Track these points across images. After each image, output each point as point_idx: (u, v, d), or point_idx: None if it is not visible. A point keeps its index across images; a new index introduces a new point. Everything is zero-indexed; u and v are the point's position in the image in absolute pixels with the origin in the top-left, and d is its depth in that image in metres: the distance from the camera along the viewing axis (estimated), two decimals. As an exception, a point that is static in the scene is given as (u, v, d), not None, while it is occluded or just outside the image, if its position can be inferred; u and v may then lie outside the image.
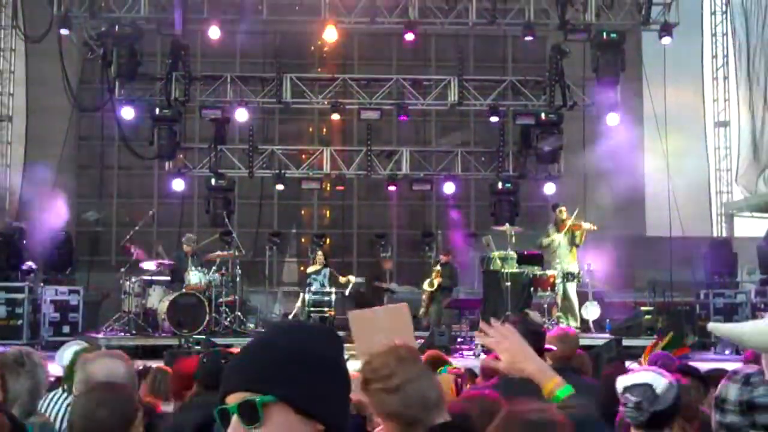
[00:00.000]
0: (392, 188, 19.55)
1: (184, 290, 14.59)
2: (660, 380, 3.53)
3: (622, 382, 3.56)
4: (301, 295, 16.37)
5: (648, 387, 3.49)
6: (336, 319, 16.05)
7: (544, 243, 15.57)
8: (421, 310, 16.05)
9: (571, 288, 15.19)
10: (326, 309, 15.46)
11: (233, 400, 1.67)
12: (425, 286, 16.13)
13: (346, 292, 16.38)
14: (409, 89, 19.00)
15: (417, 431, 2.68)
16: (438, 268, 16.16)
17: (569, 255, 15.14)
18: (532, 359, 2.96)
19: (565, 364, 5.21)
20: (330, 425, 1.71)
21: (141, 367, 6.56)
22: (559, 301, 15.20)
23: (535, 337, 4.47)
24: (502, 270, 15.03)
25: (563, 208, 15.45)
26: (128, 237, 16.09)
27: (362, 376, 2.78)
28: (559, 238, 15.24)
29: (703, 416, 4.10)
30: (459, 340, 15.10)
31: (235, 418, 1.66)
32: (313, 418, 1.69)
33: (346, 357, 1.86)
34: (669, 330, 16.21)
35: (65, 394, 5.10)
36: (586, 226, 15.03)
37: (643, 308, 16.63)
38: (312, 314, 15.36)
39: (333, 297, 15.51)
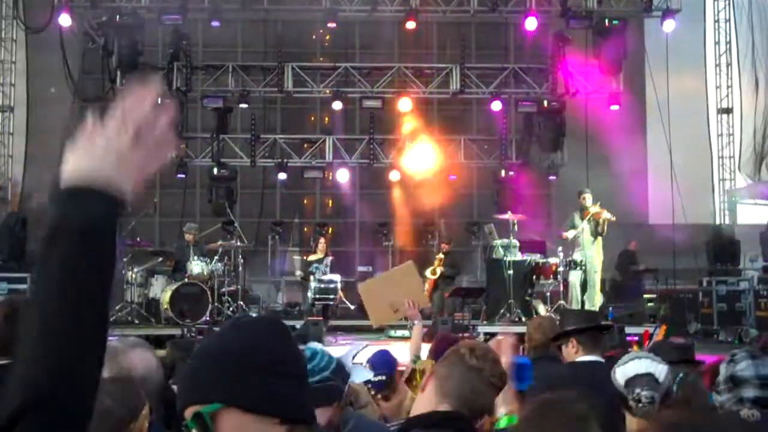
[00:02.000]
0: (395, 177, 19.54)
1: (186, 280, 14.59)
2: (658, 367, 3.51)
3: (622, 375, 3.53)
4: (299, 273, 16.37)
5: (650, 377, 3.47)
6: (339, 308, 16.09)
7: (569, 236, 15.02)
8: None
9: (574, 277, 14.95)
10: (331, 296, 15.45)
11: (188, 414, 1.65)
12: (427, 274, 16.12)
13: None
14: (411, 77, 18.97)
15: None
16: (440, 256, 16.15)
17: (592, 245, 14.84)
18: None
19: (542, 352, 5.23)
20: (287, 419, 1.66)
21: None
22: (575, 289, 14.82)
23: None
24: (505, 258, 15.00)
25: (587, 195, 15.02)
26: (130, 227, 16.08)
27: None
28: (582, 226, 14.84)
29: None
30: (461, 328, 15.09)
31: None
32: (265, 414, 1.64)
33: (297, 345, 1.80)
34: (672, 317, 16.26)
35: None
36: (606, 216, 14.68)
37: (645, 296, 16.63)
38: (317, 302, 15.36)
39: (338, 285, 15.50)
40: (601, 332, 5.01)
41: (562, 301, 14.68)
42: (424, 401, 2.84)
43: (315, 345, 3.88)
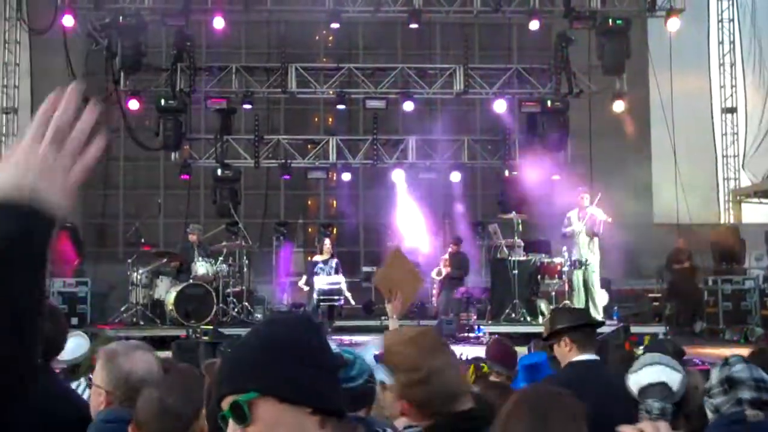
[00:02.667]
0: (399, 177, 19.53)
1: (191, 281, 14.60)
2: (673, 375, 3.48)
3: (635, 383, 3.50)
4: (304, 277, 16.36)
5: (665, 387, 3.44)
6: (344, 309, 16.09)
7: (567, 233, 15.05)
8: (433, 299, 16.06)
9: (577, 276, 14.95)
10: (336, 297, 15.44)
11: (225, 405, 1.72)
12: (434, 274, 16.11)
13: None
14: (415, 78, 18.97)
15: (442, 417, 2.68)
16: (446, 257, 16.14)
17: (588, 245, 14.86)
18: None
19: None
20: (318, 408, 1.73)
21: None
22: (578, 289, 14.83)
23: None
24: (510, 258, 14.99)
25: (585, 195, 15.05)
26: (134, 228, 16.10)
27: (387, 365, 2.80)
28: (579, 226, 14.89)
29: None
30: (466, 328, 15.10)
31: (230, 421, 1.71)
32: (300, 404, 1.71)
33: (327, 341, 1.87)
34: (677, 317, 16.26)
35: (85, 386, 5.09)
36: (601, 217, 14.71)
37: (650, 295, 16.60)
38: (322, 303, 15.36)
39: (343, 286, 15.50)
40: (593, 330, 4.99)
41: (567, 301, 14.67)
42: None
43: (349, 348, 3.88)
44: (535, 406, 2.36)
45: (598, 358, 4.83)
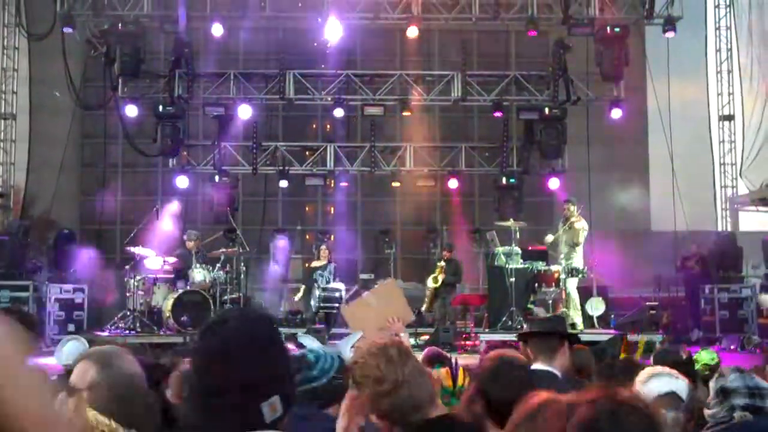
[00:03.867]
0: (396, 184, 19.56)
1: (188, 288, 14.58)
2: (678, 383, 3.49)
3: (646, 394, 3.50)
4: (302, 288, 16.35)
5: (675, 396, 3.45)
6: (341, 317, 16.07)
7: (546, 241, 15.34)
8: (424, 306, 16.03)
9: (571, 284, 15.03)
10: (335, 305, 15.44)
11: None
12: (429, 282, 16.11)
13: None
14: (413, 85, 18.99)
15: (411, 427, 2.68)
16: (442, 264, 16.14)
17: (571, 251, 14.97)
18: None
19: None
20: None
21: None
22: (564, 296, 15.01)
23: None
24: (507, 266, 14.99)
25: (571, 205, 15.19)
26: (132, 235, 16.07)
27: (352, 379, 2.79)
28: (560, 236, 15.04)
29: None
30: (463, 336, 15.10)
31: None
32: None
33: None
34: (674, 325, 16.25)
35: None
36: (578, 225, 14.82)
37: (648, 303, 16.60)
38: (321, 310, 15.35)
39: (342, 292, 15.49)
40: (560, 341, 4.66)
41: (564, 309, 14.69)
42: None
43: (313, 345, 3.89)
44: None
45: (554, 372, 4.53)
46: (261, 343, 2.00)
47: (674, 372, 3.63)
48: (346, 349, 3.64)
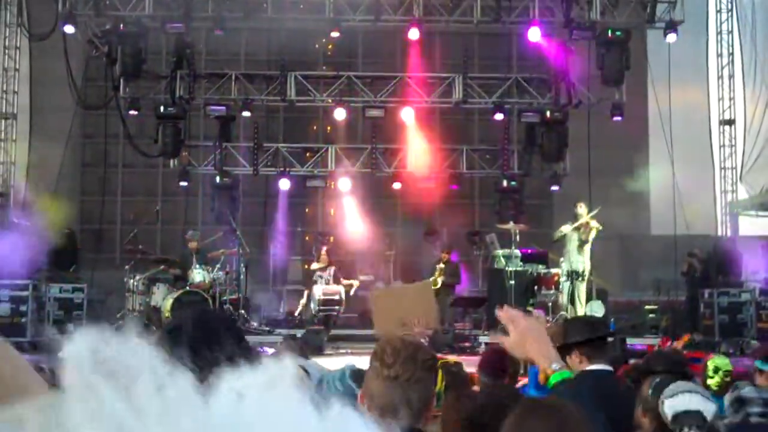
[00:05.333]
0: (397, 186, 19.58)
1: (188, 288, 14.58)
2: (707, 405, 3.48)
3: (670, 408, 3.50)
4: (306, 292, 16.36)
5: (699, 416, 3.43)
6: (341, 318, 16.07)
7: (555, 236, 15.28)
8: None
9: (581, 287, 14.99)
10: (335, 307, 15.44)
11: None
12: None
13: (351, 293, 16.38)
14: (414, 87, 19.00)
15: (385, 423, 2.64)
16: (441, 266, 16.14)
17: (578, 253, 14.93)
18: (539, 342, 2.86)
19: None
20: None
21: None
22: (564, 299, 14.96)
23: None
24: (507, 268, 14.99)
25: (582, 204, 15.16)
26: (132, 235, 16.11)
27: (374, 351, 2.77)
28: (570, 234, 14.97)
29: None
30: (462, 338, 15.09)
31: None
32: None
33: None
34: (673, 329, 16.24)
35: None
36: (593, 224, 14.82)
37: (647, 307, 16.58)
38: (320, 312, 15.35)
39: (342, 295, 15.49)
40: (605, 342, 4.94)
41: (564, 312, 14.69)
42: None
43: (315, 368, 3.84)
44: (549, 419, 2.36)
45: (610, 368, 4.78)
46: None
47: (707, 393, 3.62)
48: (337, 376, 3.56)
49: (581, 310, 14.70)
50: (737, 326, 16.06)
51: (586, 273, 14.78)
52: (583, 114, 18.56)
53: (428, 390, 2.76)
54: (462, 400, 3.64)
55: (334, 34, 18.13)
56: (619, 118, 18.04)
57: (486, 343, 13.34)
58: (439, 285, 15.95)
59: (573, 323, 5.39)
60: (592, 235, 14.78)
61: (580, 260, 14.84)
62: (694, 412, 3.44)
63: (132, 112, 18.06)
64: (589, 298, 15.38)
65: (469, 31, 19.87)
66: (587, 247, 14.90)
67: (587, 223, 14.74)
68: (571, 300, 14.63)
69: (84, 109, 19.21)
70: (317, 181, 19.40)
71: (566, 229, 14.93)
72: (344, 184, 19.55)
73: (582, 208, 14.88)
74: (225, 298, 15.12)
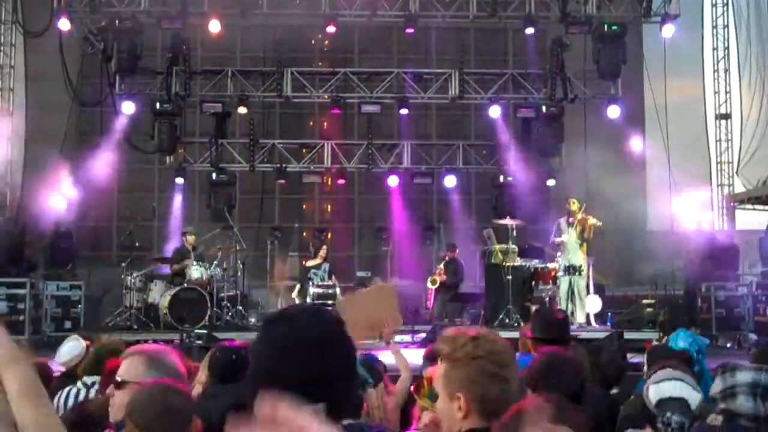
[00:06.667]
0: (393, 182, 19.58)
1: (185, 285, 14.57)
2: (693, 394, 3.47)
3: (656, 394, 3.49)
4: (297, 287, 16.34)
5: (684, 403, 3.43)
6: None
7: (557, 241, 15.16)
8: (429, 304, 16.06)
9: (581, 282, 14.95)
10: (330, 302, 15.43)
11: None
12: (429, 284, 16.11)
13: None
14: (410, 83, 18.99)
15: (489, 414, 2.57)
16: (441, 266, 16.14)
17: (578, 249, 14.91)
18: None
19: None
20: (328, 403, 1.78)
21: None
22: (563, 295, 14.90)
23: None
24: (504, 264, 14.99)
25: (574, 200, 15.14)
26: (128, 232, 16.07)
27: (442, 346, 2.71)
28: (567, 235, 14.95)
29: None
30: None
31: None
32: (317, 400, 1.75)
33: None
34: (670, 323, 16.25)
35: (86, 389, 5.08)
36: (592, 221, 14.79)
37: (644, 301, 16.61)
38: (316, 308, 15.33)
39: (337, 290, 15.49)
40: (558, 343, 4.91)
41: (560, 307, 14.67)
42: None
43: None
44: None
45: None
46: (325, 341, 1.91)
47: (693, 382, 3.60)
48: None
49: (580, 305, 14.68)
50: (734, 320, 16.12)
51: (584, 269, 14.75)
52: (579, 108, 18.59)
53: None
54: None
55: (330, 30, 18.06)
56: (615, 113, 18.04)
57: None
58: (437, 285, 15.98)
59: (536, 319, 5.50)
60: (591, 232, 14.76)
61: (580, 256, 14.83)
62: (677, 399, 3.43)
63: (128, 108, 18.00)
64: (586, 293, 15.36)
65: (465, 26, 19.85)
66: (585, 246, 14.87)
67: (585, 220, 14.72)
68: (570, 296, 14.59)
69: (80, 105, 19.18)
70: (314, 177, 19.39)
71: (567, 237, 14.86)
72: (340, 180, 19.56)
73: (574, 205, 14.87)
74: (223, 294, 15.11)
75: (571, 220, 14.80)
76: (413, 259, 19.26)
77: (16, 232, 16.35)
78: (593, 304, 15.17)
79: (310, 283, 15.56)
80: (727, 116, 21.81)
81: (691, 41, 21.22)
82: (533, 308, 14.84)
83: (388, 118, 19.96)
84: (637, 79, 19.22)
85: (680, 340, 5.76)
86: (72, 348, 6.09)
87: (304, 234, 21.29)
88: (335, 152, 19.38)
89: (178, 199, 19.39)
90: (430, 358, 6.23)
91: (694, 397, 3.46)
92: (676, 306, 16.96)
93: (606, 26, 17.34)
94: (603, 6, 17.84)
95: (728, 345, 15.46)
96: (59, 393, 5.10)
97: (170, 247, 16.55)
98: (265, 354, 1.86)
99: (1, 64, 20.25)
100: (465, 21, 18.85)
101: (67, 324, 15.49)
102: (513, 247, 15.36)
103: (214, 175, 18.70)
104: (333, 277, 15.83)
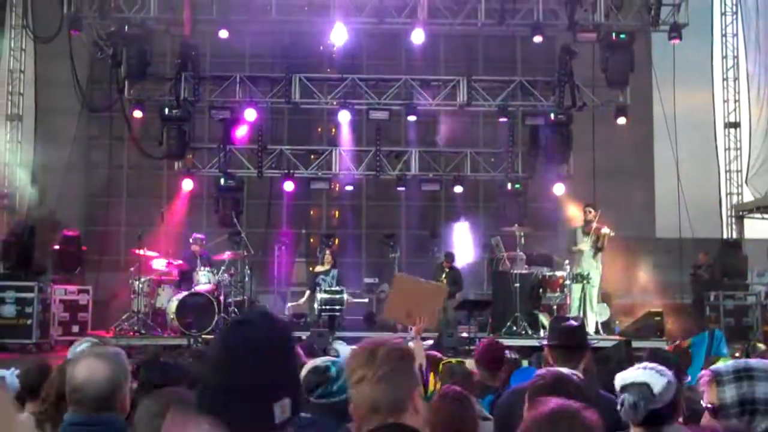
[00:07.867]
0: (401, 189, 19.58)
1: (193, 290, 14.59)
2: (658, 379, 3.49)
3: (620, 380, 3.54)
4: (307, 293, 16.35)
5: (646, 386, 3.46)
6: (345, 320, 16.06)
7: (573, 250, 15.17)
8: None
9: (593, 291, 14.93)
10: (338, 307, 15.43)
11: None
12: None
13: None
14: (418, 89, 19.00)
15: (370, 425, 2.66)
16: (443, 277, 16.14)
17: (591, 258, 14.90)
18: None
19: None
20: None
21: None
22: (575, 303, 14.85)
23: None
24: (511, 271, 14.97)
25: (591, 209, 15.15)
26: (138, 236, 16.10)
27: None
28: (586, 244, 14.95)
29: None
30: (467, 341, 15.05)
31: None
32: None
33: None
34: (679, 332, 16.20)
35: None
36: (605, 231, 14.79)
37: (652, 310, 16.56)
38: (323, 313, 15.35)
39: (344, 296, 15.50)
40: (576, 349, 4.97)
41: (568, 315, 14.65)
42: None
43: (329, 360, 3.87)
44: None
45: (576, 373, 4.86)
46: (281, 346, 2.15)
47: (664, 370, 3.61)
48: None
49: (591, 315, 14.66)
50: (743, 329, 16.07)
51: (595, 278, 14.74)
52: (588, 116, 18.56)
53: (398, 385, 2.70)
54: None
55: (339, 37, 18.07)
56: (623, 121, 18.04)
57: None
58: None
59: (553, 326, 5.50)
60: (605, 242, 14.78)
61: (594, 265, 14.82)
62: (639, 383, 3.46)
63: (137, 114, 18.06)
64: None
65: (474, 33, 19.86)
66: (601, 254, 14.87)
67: (599, 229, 14.72)
68: (582, 305, 14.58)
69: (89, 111, 19.24)
70: (321, 184, 19.40)
71: (584, 245, 14.87)
72: (348, 186, 19.57)
73: (591, 213, 14.88)
74: (230, 300, 15.12)
75: (587, 228, 14.79)
76: (420, 266, 19.24)
77: (25, 235, 16.39)
78: (601, 312, 15.15)
79: (318, 289, 15.56)
80: (736, 125, 21.76)
81: (700, 50, 21.21)
82: (541, 316, 14.85)
83: (395, 125, 19.97)
84: (645, 87, 19.19)
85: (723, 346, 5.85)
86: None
87: (312, 240, 21.30)
88: (343, 158, 19.39)
89: (186, 205, 19.41)
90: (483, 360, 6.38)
91: (658, 381, 3.47)
92: (684, 315, 16.92)
93: (614, 34, 17.34)
94: (611, 14, 17.83)
95: (736, 354, 15.38)
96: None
97: (178, 253, 16.55)
98: (224, 363, 2.05)
99: (11, 69, 20.33)
100: (473, 28, 18.86)
101: (75, 328, 15.53)
102: (521, 254, 15.35)
103: (222, 181, 18.73)
104: (341, 283, 15.84)
